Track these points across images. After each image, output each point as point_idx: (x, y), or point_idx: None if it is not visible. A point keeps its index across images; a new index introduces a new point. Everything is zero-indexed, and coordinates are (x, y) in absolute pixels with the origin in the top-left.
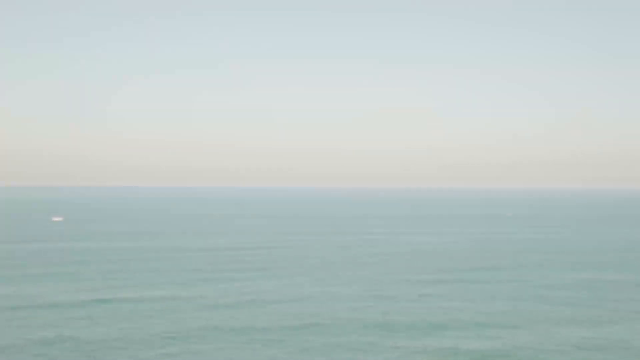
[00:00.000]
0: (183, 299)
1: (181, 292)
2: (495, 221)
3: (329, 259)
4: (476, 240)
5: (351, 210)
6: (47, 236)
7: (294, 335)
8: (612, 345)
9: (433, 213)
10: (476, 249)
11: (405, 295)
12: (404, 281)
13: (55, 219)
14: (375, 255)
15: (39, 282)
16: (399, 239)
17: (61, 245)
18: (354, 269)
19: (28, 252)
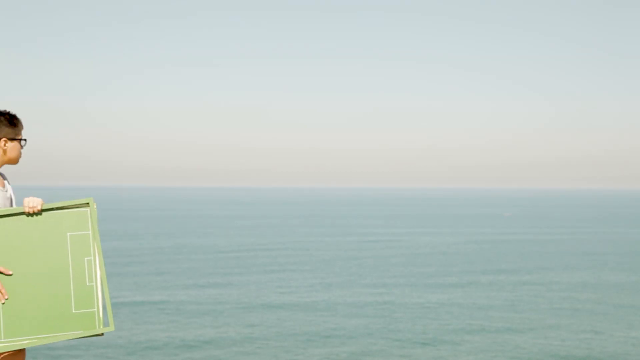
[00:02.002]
0: (183, 302)
1: (181, 295)
2: (492, 221)
3: (329, 261)
4: (475, 241)
5: (348, 210)
6: None
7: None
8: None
9: (431, 213)
10: (475, 250)
11: (408, 299)
12: (406, 285)
13: None
14: (372, 257)
15: None
16: (397, 239)
17: None
18: (353, 270)
19: None
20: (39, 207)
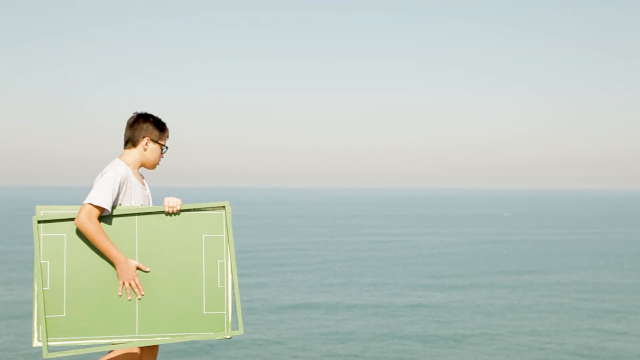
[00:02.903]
0: None
1: None
2: (492, 221)
3: (329, 261)
4: (475, 242)
5: (348, 210)
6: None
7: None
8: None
9: (431, 213)
10: (475, 250)
11: (408, 300)
12: (406, 285)
13: None
14: (372, 257)
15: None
16: (397, 239)
17: None
18: (354, 271)
19: (26, 253)
20: (179, 208)
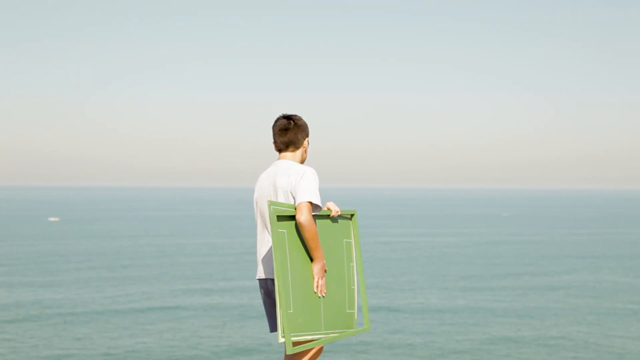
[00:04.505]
0: (182, 306)
1: (182, 298)
2: (492, 221)
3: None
4: (474, 242)
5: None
6: (45, 237)
7: None
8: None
9: (431, 213)
10: (474, 251)
11: (407, 301)
12: (406, 285)
13: (52, 219)
14: (371, 258)
15: (41, 288)
16: (396, 240)
17: (60, 247)
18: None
19: (25, 253)
20: (340, 212)
